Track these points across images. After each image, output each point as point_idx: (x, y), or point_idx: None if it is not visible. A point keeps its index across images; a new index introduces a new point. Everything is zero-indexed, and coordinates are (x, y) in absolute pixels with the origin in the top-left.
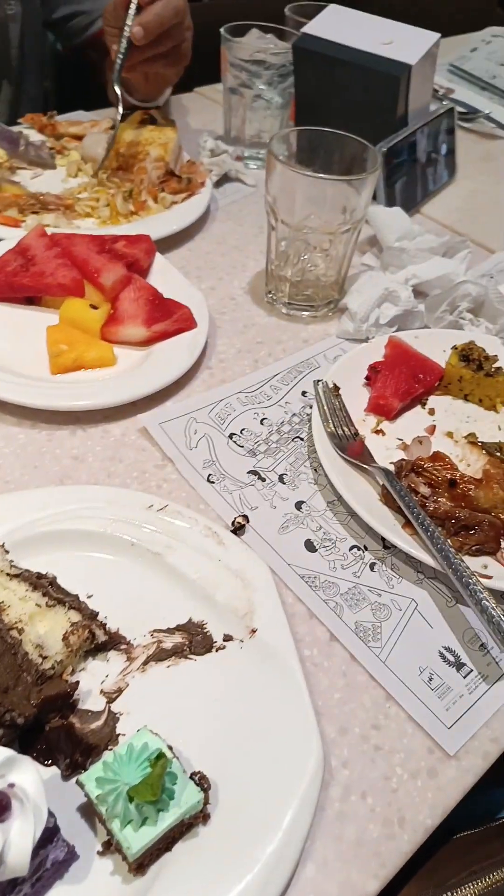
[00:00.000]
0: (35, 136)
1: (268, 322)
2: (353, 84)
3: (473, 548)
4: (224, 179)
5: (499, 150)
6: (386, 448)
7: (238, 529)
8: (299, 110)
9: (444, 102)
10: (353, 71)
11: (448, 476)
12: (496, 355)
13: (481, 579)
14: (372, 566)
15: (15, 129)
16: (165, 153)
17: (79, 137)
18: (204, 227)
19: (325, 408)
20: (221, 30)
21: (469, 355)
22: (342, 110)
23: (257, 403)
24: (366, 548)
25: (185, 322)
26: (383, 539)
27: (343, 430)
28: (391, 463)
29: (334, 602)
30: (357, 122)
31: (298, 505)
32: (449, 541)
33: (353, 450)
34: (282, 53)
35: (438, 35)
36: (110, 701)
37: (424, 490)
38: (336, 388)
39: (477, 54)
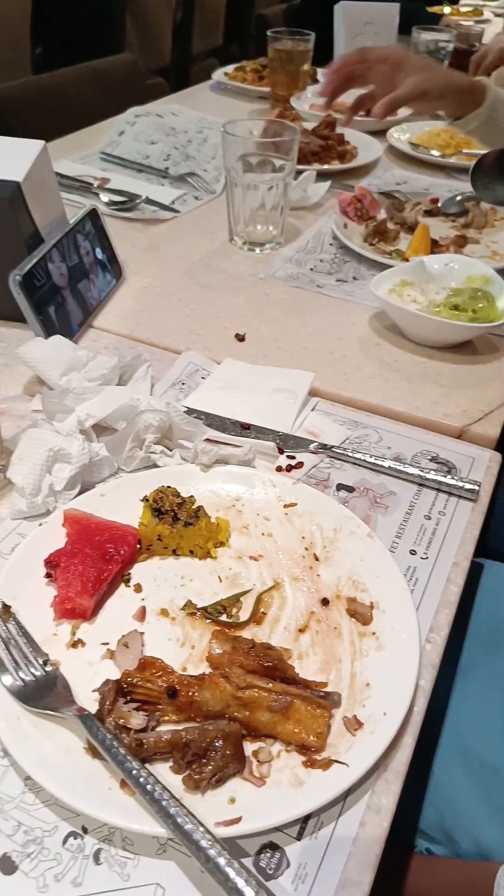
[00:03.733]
0: None
1: None
2: None
3: (213, 780)
4: None
5: (165, 234)
6: (90, 664)
7: None
8: None
9: (101, 196)
10: None
11: (164, 685)
12: (192, 496)
13: (227, 829)
14: (97, 855)
15: None
16: None
17: None
18: None
19: None
20: None
21: (161, 507)
22: None
23: None
24: (85, 830)
25: None
26: None
27: (25, 669)
28: (95, 691)
29: None
30: None
31: None
32: (181, 779)
33: (46, 699)
34: None
35: (42, 143)
36: None
37: (136, 722)
38: (6, 607)
39: (125, 137)
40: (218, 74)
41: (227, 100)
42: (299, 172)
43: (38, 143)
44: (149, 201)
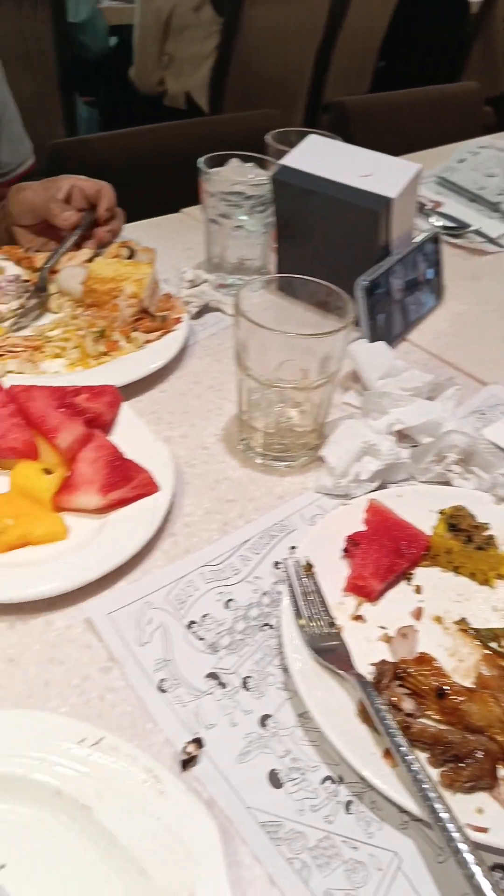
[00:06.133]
0: (11, 269)
1: (241, 475)
2: (332, 216)
3: (466, 784)
4: (205, 310)
5: (487, 266)
6: (367, 640)
7: (188, 762)
8: (280, 238)
9: (431, 219)
10: (332, 204)
11: (435, 684)
12: (487, 523)
13: (475, 833)
14: (348, 805)
15: None
16: (140, 290)
17: (55, 271)
18: (180, 364)
19: (297, 592)
20: (199, 162)
21: (457, 524)
22: (323, 240)
23: (224, 579)
24: (341, 779)
25: (145, 488)
26: None
27: (317, 622)
28: (372, 665)
29: (300, 862)
30: (338, 251)
31: (263, 720)
32: (438, 773)
33: (330, 655)
34: (261, 185)
35: (419, 166)
36: None
37: (408, 706)
38: (309, 566)
39: (465, 165)
40: None
41: None
42: None
43: (415, 167)
44: (477, 233)
